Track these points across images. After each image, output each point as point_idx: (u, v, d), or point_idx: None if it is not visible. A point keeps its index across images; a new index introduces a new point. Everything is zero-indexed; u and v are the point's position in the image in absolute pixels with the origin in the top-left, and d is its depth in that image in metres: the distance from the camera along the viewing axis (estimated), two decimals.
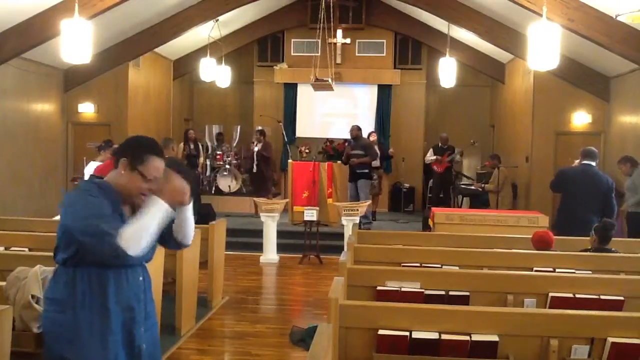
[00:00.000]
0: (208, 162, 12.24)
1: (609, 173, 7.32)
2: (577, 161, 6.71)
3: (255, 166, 11.39)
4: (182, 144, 11.41)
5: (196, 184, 7.85)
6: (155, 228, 2.44)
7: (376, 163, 11.02)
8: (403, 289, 3.81)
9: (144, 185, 2.54)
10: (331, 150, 12.30)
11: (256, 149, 11.39)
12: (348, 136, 10.54)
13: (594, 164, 6.48)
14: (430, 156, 11.41)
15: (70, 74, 10.28)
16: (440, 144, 11.37)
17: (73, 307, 2.48)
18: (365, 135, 10.77)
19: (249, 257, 8.87)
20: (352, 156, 10.08)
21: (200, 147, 11.82)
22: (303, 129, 13.11)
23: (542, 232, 5.04)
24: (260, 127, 11.94)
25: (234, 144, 12.36)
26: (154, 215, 2.43)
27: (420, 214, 11.37)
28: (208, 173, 12.22)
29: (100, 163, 7.47)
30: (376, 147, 10.81)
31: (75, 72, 10.07)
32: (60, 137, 10.45)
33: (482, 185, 10.61)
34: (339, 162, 10.36)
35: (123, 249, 2.34)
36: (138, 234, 2.38)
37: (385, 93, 12.89)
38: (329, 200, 10.07)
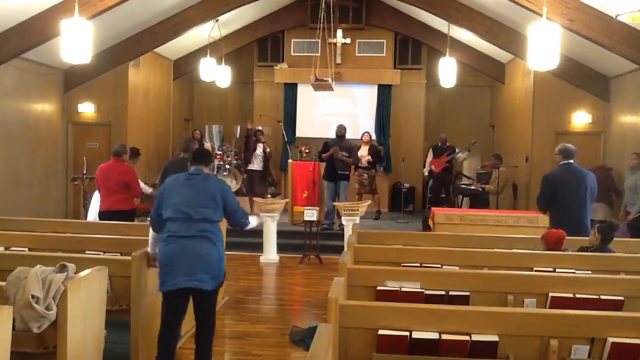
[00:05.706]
0: None
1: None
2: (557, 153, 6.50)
3: (262, 166, 11.22)
4: None
5: None
6: None
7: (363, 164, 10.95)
8: (403, 289, 3.81)
9: None
10: None
11: (267, 149, 11.22)
12: (348, 136, 10.47)
13: (573, 161, 6.34)
14: (428, 160, 11.46)
15: (70, 74, 10.28)
16: (439, 144, 11.37)
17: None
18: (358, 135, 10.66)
19: (249, 257, 8.88)
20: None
21: (209, 147, 11.64)
22: (303, 129, 13.10)
23: (557, 232, 4.97)
24: (259, 127, 11.80)
25: (234, 144, 12.32)
26: None
27: (420, 214, 11.36)
28: None
29: None
30: (365, 149, 10.80)
31: (75, 72, 10.06)
32: (60, 137, 10.45)
33: (483, 185, 10.60)
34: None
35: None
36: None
37: (385, 93, 12.87)
38: None
